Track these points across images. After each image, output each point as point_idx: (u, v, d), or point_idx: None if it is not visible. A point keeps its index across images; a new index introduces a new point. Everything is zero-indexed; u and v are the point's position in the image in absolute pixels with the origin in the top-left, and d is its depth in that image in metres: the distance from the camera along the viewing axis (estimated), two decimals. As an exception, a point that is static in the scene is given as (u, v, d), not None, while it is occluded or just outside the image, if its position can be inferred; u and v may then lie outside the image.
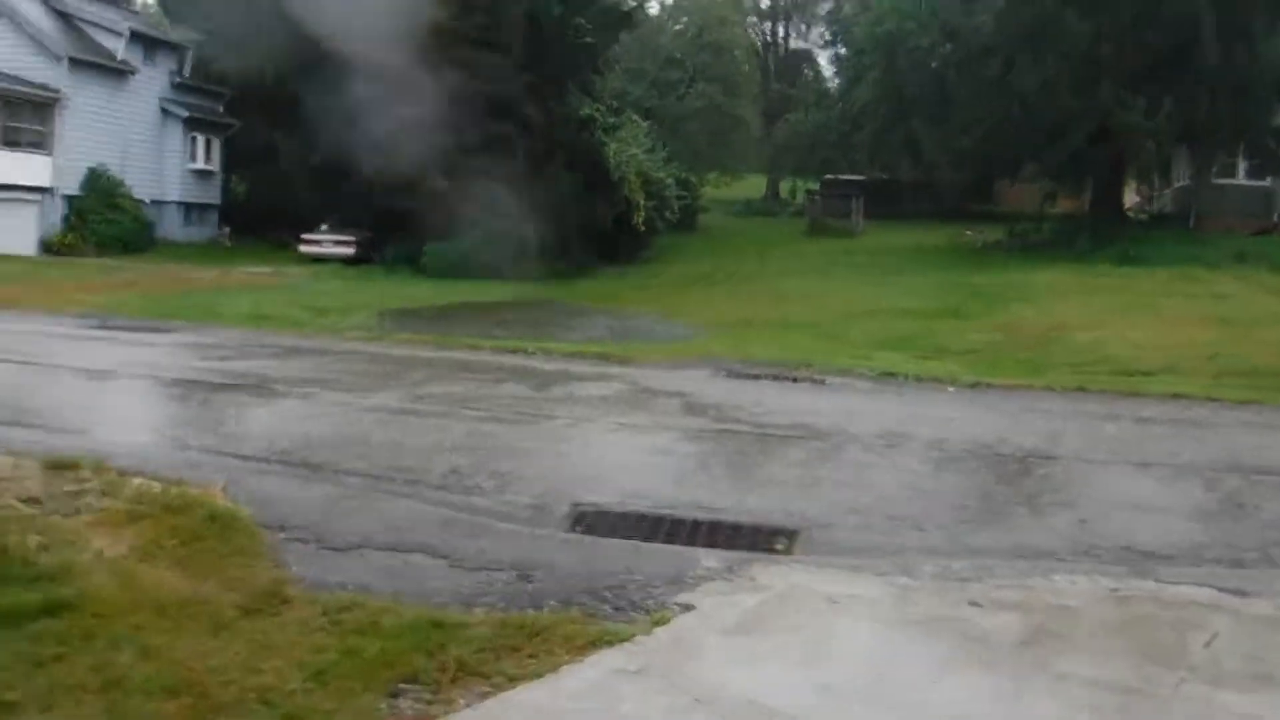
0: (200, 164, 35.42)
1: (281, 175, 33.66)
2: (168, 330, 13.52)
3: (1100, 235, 27.76)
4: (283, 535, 5.06)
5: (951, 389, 10.34)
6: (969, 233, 37.30)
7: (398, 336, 13.15)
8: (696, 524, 5.72)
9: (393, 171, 28.60)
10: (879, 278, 26.47)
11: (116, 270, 25.53)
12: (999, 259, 29.04)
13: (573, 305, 23.37)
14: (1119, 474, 6.89)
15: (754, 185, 56.85)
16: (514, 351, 11.95)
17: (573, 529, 5.55)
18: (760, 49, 63.00)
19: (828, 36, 61.64)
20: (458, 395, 8.92)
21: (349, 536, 5.04)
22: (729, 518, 5.83)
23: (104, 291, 19.99)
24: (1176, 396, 9.92)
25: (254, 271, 27.66)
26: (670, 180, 34.41)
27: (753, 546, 5.35)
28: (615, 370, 10.90)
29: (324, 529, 5.15)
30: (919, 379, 10.79)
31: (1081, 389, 10.28)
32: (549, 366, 11.11)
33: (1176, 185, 33.50)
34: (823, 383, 10.67)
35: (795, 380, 10.76)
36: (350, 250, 31.41)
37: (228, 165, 37.34)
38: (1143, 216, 35.95)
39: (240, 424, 7.64)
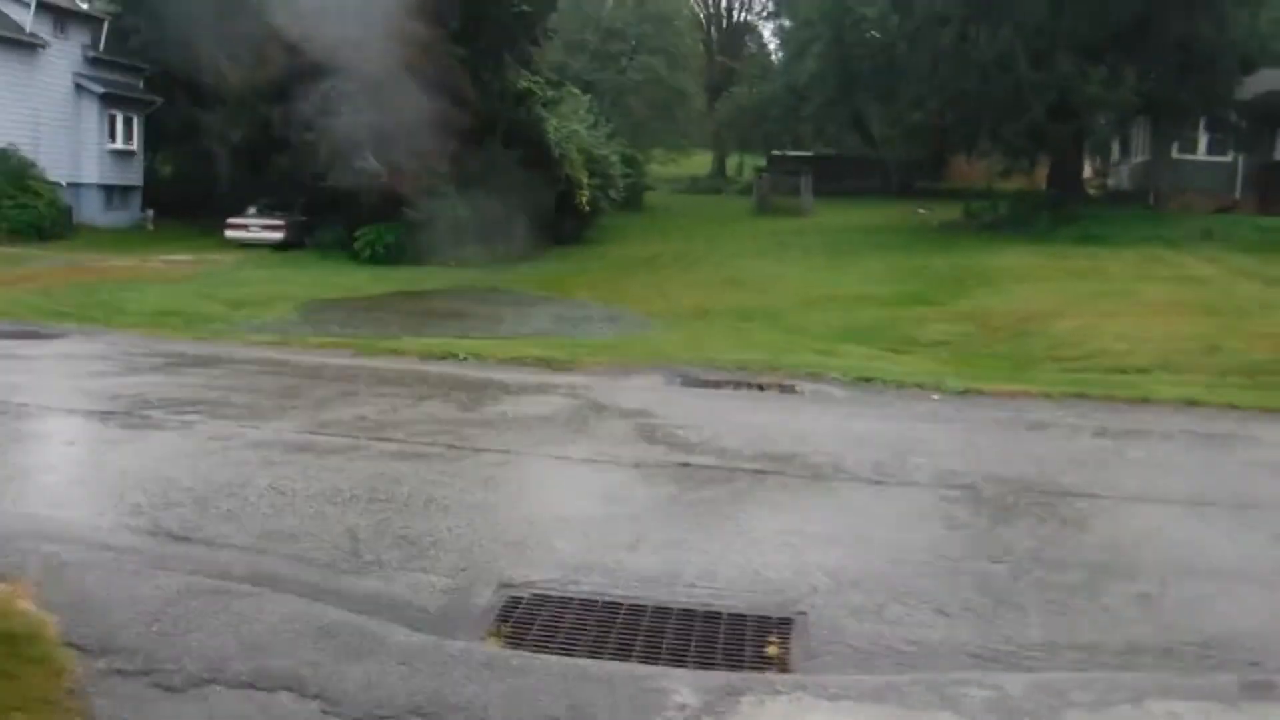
0: (120, 143, 33.25)
1: (207, 155, 31.76)
2: (51, 336, 11.89)
3: (1059, 213, 26.92)
4: (101, 664, 3.67)
5: (937, 397, 9.16)
6: (921, 210, 36.52)
7: (310, 340, 11.65)
8: (660, 615, 4.43)
9: (323, 151, 26.95)
10: (834, 260, 25.47)
11: (23, 260, 23.55)
12: (956, 239, 28.18)
13: (514, 293, 21.97)
14: (1167, 519, 5.72)
15: (700, 162, 55.67)
16: (442, 358, 10.54)
17: (498, 630, 4.22)
18: (703, 21, 61.64)
19: (771, 8, 60.51)
20: (369, 420, 7.52)
21: (193, 664, 3.66)
22: (701, 600, 4.56)
23: (-4, 287, 18.17)
24: (1191, 404, 8.83)
25: (174, 260, 25.84)
26: (614, 157, 33.02)
27: (737, 655, 4.07)
28: (557, 380, 9.56)
29: (160, 650, 3.76)
30: (899, 385, 9.60)
31: (1082, 395, 9.15)
32: (481, 375, 9.73)
33: (1135, 160, 32.77)
34: (792, 390, 9.44)
35: (762, 388, 9.51)
36: (279, 235, 29.71)
37: (150, 145, 35.15)
38: (1093, 192, 35.30)
39: (89, 473, 6.18)
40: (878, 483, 6.32)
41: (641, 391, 9.15)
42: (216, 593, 4.26)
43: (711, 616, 4.44)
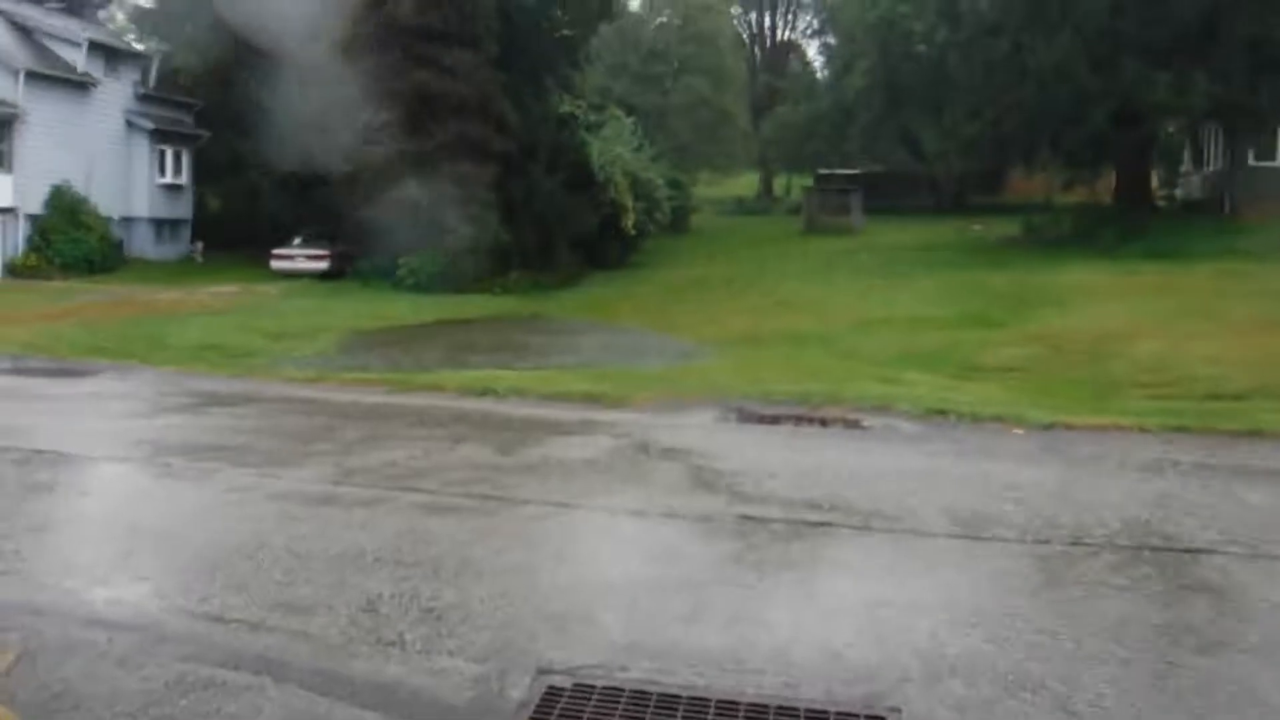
0: (169, 178, 33.53)
1: (254, 187, 31.84)
2: (85, 373, 11.52)
3: (1126, 226, 25.82)
4: (61, 783, 3.10)
5: (1020, 432, 8.38)
6: (976, 227, 35.60)
7: (344, 377, 11.13)
8: (726, 712, 3.75)
9: (365, 180, 26.78)
10: (887, 280, 24.65)
11: (72, 294, 23.55)
12: (1014, 255, 27.23)
13: (558, 321, 21.46)
14: (1312, 582, 4.94)
15: (746, 183, 55.13)
16: (481, 394, 9.95)
17: (535, 735, 3.57)
18: (746, 41, 61.18)
19: (816, 25, 59.96)
20: (399, 467, 6.93)
21: (168, 783, 3.07)
22: (773, 690, 3.88)
23: (41, 321, 18.00)
24: (1308, 438, 7.98)
25: (220, 291, 25.75)
26: (659, 180, 32.49)
27: (822, 771, 3.39)
28: (603, 417, 8.92)
29: (133, 763, 3.17)
30: (975, 418, 8.82)
31: (1182, 428, 8.31)
32: (522, 413, 9.12)
33: (1208, 170, 31.45)
34: (858, 425, 8.71)
35: (825, 424, 8.79)
36: (324, 265, 29.70)
37: (199, 178, 35.38)
38: (1162, 204, 34.03)
39: (96, 531, 5.63)
40: (967, 537, 5.58)
41: (695, 430, 8.48)
42: (210, 687, 3.65)
43: (788, 713, 3.75)
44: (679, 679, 3.96)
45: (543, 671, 3.99)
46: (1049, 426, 8.44)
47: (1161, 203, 34.05)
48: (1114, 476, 6.91)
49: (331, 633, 4.26)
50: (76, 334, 16.16)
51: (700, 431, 8.39)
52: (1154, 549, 5.39)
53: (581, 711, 3.73)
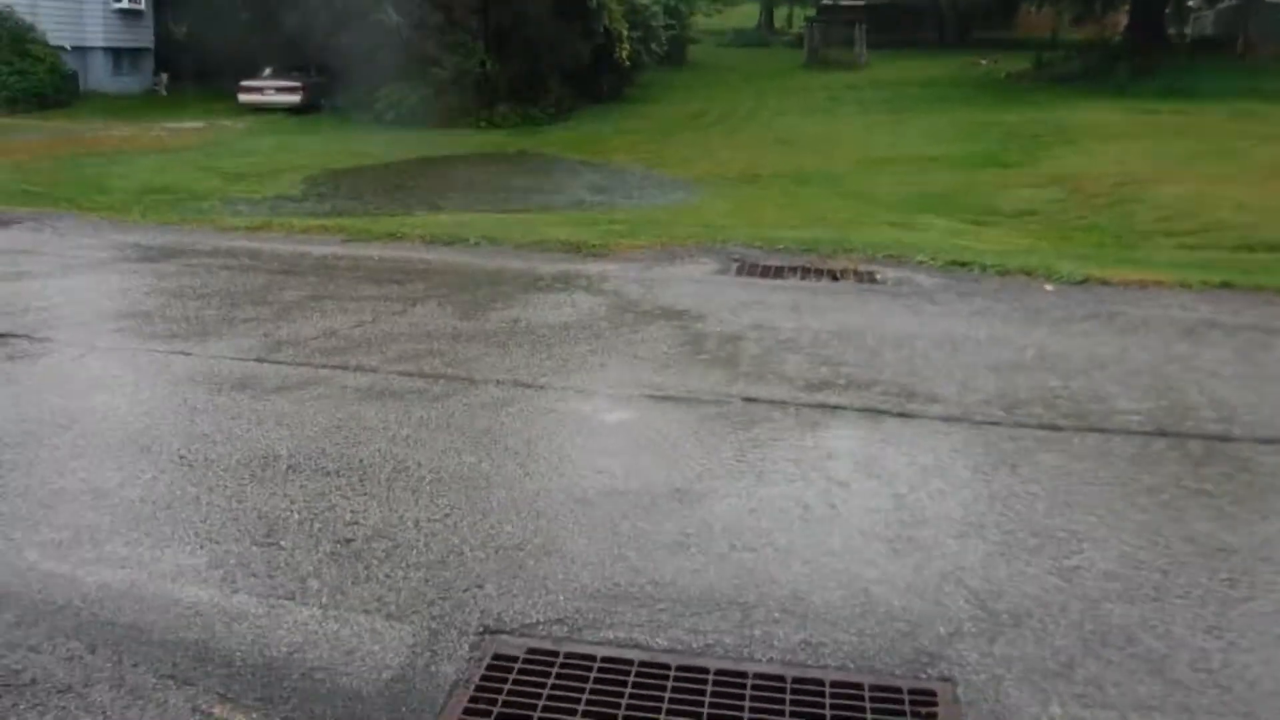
0: (126, 2, 31.03)
1: (222, 13, 29.55)
2: (-6, 223, 10.21)
3: (1140, 64, 24.30)
4: None
5: (1051, 288, 7.35)
6: (983, 62, 33.93)
7: (295, 224, 9.91)
8: (730, 685, 2.84)
9: (340, 3, 24.81)
10: (894, 117, 23.25)
11: (10, 131, 21.90)
12: (1025, 92, 25.82)
13: (546, 157, 20.08)
14: None
15: (746, 13, 52.34)
16: (450, 243, 8.81)
17: (471, 733, 2.65)
18: None
19: None
20: (338, 338, 5.87)
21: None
22: (788, 650, 2.97)
23: (-34, 162, 16.52)
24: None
25: (180, 126, 24.13)
26: (656, 7, 30.33)
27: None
28: (586, 269, 7.83)
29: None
30: (1001, 271, 7.77)
31: (1227, 285, 7.29)
32: (494, 265, 8.02)
33: (1222, 4, 29.51)
34: (872, 279, 7.66)
35: (835, 277, 7.73)
36: (296, 97, 27.97)
37: (161, 3, 32.87)
38: (1173, 41, 32.20)
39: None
40: (1014, 425, 4.62)
41: (689, 284, 7.41)
42: (11, 688, 2.67)
43: (808, 687, 2.84)
44: (668, 636, 3.04)
45: (488, 631, 3.06)
46: (1082, 282, 7.42)
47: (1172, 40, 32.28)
48: (1165, 344, 5.89)
49: (212, 578, 3.28)
50: (3, 176, 14.70)
51: (695, 286, 7.33)
52: (1246, 441, 4.44)
53: (538, 692, 2.81)
